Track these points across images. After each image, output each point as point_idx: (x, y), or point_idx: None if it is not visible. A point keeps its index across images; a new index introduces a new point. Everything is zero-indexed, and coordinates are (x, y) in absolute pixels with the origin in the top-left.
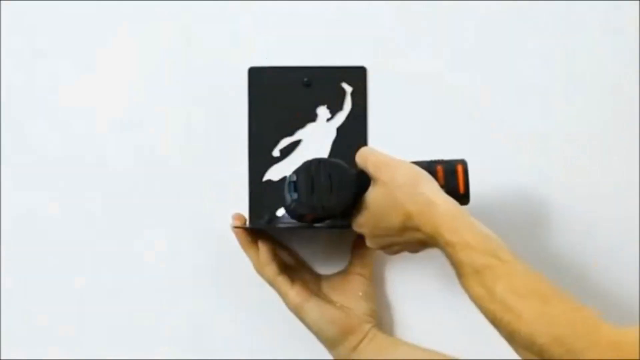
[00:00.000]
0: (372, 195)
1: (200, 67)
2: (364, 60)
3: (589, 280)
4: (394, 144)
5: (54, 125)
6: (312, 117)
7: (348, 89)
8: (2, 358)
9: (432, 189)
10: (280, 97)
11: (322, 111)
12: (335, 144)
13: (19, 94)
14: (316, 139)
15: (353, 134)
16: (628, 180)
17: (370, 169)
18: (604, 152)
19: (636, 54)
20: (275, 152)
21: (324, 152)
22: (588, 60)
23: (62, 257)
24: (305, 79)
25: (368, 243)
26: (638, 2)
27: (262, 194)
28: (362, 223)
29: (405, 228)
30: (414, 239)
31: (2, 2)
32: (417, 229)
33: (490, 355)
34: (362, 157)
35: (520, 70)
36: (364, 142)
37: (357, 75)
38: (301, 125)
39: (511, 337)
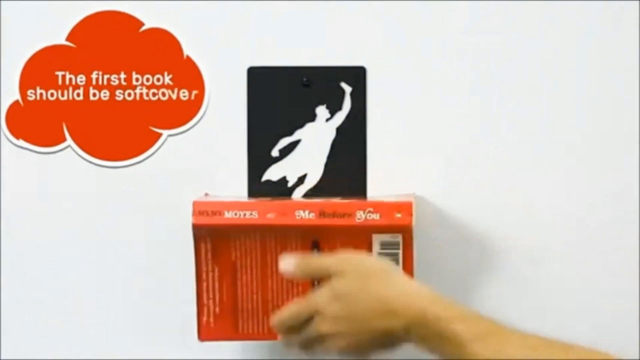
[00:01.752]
0: (339, 285)
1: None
2: (363, 60)
3: (589, 282)
4: (393, 144)
5: None
6: (312, 117)
7: (347, 89)
8: (2, 358)
9: (404, 277)
10: (279, 97)
11: (322, 111)
12: (335, 144)
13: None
14: (315, 139)
15: (352, 134)
16: (628, 181)
17: (332, 263)
18: (603, 152)
19: (636, 54)
20: (275, 152)
21: (323, 152)
22: (588, 60)
23: (62, 256)
24: (305, 79)
25: (334, 345)
26: (638, 2)
27: (261, 193)
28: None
29: (380, 314)
30: (385, 328)
31: (1, 2)
32: (392, 314)
33: None
34: (309, 263)
35: (521, 71)
36: (363, 142)
37: (357, 75)
38: (300, 125)
39: None
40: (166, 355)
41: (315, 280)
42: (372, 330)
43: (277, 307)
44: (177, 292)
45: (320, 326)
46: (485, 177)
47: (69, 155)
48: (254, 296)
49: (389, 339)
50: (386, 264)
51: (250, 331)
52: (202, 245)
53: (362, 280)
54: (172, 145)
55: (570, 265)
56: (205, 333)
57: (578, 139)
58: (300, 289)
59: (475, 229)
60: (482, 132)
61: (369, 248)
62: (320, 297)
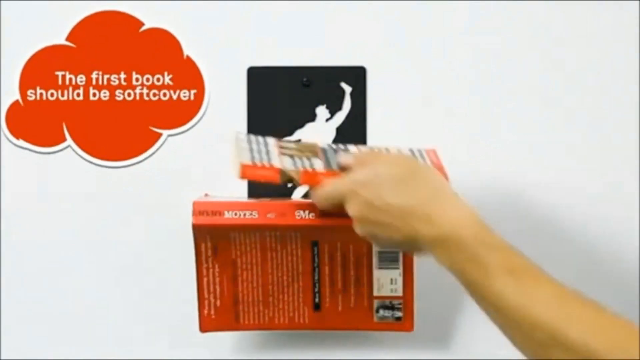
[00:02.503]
0: (381, 166)
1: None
2: (363, 60)
3: (589, 281)
4: (393, 144)
5: None
6: (311, 117)
7: (347, 89)
8: (2, 358)
9: (448, 186)
10: (279, 97)
11: (322, 111)
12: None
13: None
14: (315, 139)
15: (352, 134)
16: (628, 181)
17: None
18: (603, 152)
19: (636, 54)
20: None
21: None
22: (588, 60)
23: (62, 256)
24: (305, 79)
25: (357, 225)
26: (638, 2)
27: (261, 193)
28: (358, 194)
29: (410, 212)
30: (413, 232)
31: (1, 2)
32: (426, 220)
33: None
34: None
35: (521, 71)
36: (363, 142)
37: (357, 75)
38: (300, 125)
39: (550, 339)
40: (166, 355)
41: (316, 267)
42: (399, 229)
43: (278, 299)
44: (177, 292)
45: (350, 206)
46: (485, 176)
47: (69, 155)
48: (255, 290)
49: (411, 243)
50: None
51: (251, 322)
52: (202, 245)
53: (406, 172)
54: (172, 145)
55: (570, 265)
56: (206, 325)
57: (578, 139)
58: (300, 283)
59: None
60: (482, 132)
61: (369, 247)
62: (358, 177)
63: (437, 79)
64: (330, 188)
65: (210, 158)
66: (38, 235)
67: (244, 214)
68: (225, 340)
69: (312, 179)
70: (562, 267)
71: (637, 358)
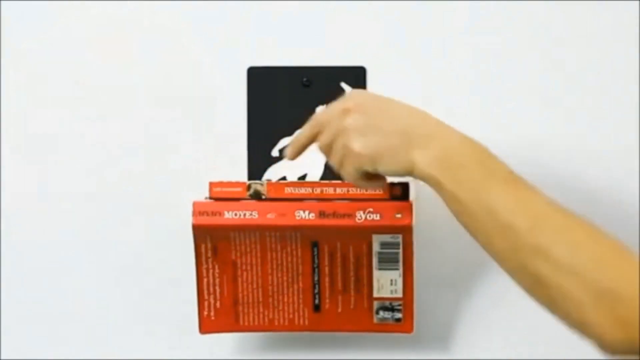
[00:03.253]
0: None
1: (200, 67)
2: (363, 60)
3: None
4: None
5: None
6: None
7: (347, 89)
8: (2, 358)
9: None
10: (279, 97)
11: None
12: None
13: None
14: None
15: None
16: (628, 181)
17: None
18: (603, 152)
19: (636, 54)
20: (274, 152)
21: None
22: (588, 60)
23: (62, 256)
24: (305, 79)
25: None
26: (638, 2)
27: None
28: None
29: (403, 131)
30: (408, 159)
31: (2, 2)
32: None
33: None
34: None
35: (520, 71)
36: None
37: (357, 75)
38: (300, 125)
39: (534, 250)
40: (166, 355)
41: (316, 268)
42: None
43: (278, 300)
44: (177, 292)
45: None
46: None
47: (69, 155)
48: (255, 291)
49: (407, 168)
50: None
51: (251, 323)
52: (202, 245)
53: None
54: (172, 145)
55: None
56: (206, 326)
57: (578, 139)
58: (300, 285)
59: None
60: (482, 132)
61: (369, 248)
62: (332, 113)
63: (437, 79)
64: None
65: (209, 157)
66: (38, 235)
67: (244, 214)
68: (226, 340)
69: (278, 190)
70: None
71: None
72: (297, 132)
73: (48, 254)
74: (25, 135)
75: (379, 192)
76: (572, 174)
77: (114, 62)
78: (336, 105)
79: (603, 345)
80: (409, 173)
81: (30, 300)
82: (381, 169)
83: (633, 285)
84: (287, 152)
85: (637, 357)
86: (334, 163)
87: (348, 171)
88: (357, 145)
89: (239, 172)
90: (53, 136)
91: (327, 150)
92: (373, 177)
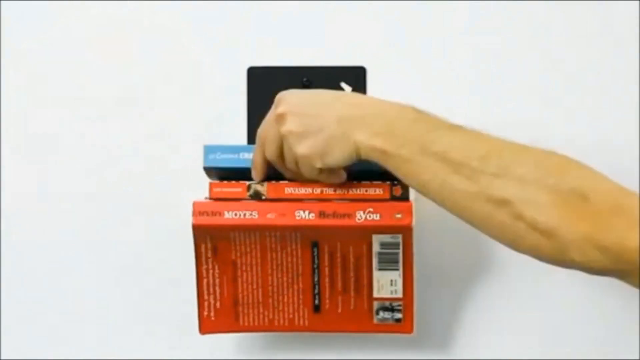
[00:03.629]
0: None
1: (200, 67)
2: (363, 60)
3: (589, 280)
4: None
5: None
6: None
7: (347, 88)
8: (2, 358)
9: None
10: None
11: None
12: None
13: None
14: None
15: None
16: (628, 181)
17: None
18: (603, 152)
19: (636, 54)
20: None
21: None
22: (588, 60)
23: (62, 256)
24: (305, 79)
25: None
26: (638, 2)
27: None
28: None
29: (338, 120)
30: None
31: (1, 1)
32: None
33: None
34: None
35: (520, 71)
36: None
37: (357, 75)
38: None
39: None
40: (166, 355)
41: (316, 268)
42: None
43: (278, 300)
44: (177, 292)
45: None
46: None
47: (69, 155)
48: (255, 291)
49: (353, 152)
50: None
51: (251, 324)
52: (202, 245)
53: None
54: (172, 145)
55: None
56: (206, 327)
57: (578, 139)
58: (300, 285)
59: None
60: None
61: (369, 248)
62: (268, 124)
63: (437, 79)
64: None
65: None
66: (38, 235)
67: (244, 214)
68: (226, 340)
69: (278, 190)
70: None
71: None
72: (252, 155)
73: (48, 254)
74: (25, 135)
75: (379, 192)
76: None
77: (114, 62)
78: (270, 115)
79: (568, 246)
80: (357, 156)
81: (30, 300)
82: (330, 162)
83: (595, 182)
84: (253, 175)
85: (602, 261)
86: (289, 170)
87: (305, 173)
88: (301, 148)
89: None
90: (53, 136)
91: (278, 161)
92: (331, 170)
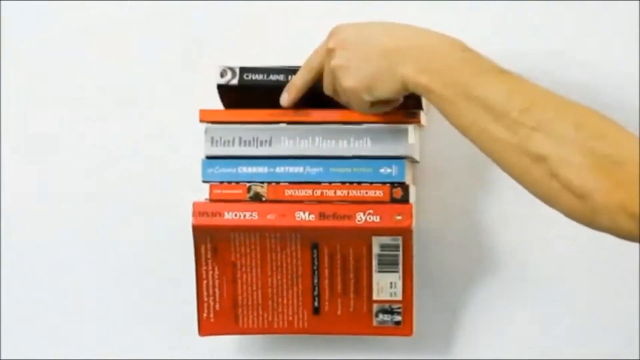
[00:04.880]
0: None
1: (200, 67)
2: None
3: (589, 280)
4: None
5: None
6: None
7: None
8: (2, 358)
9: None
10: None
11: None
12: None
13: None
14: None
15: None
16: None
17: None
18: None
19: (636, 54)
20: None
21: None
22: (588, 60)
23: (62, 256)
24: None
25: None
26: (638, 2)
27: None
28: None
29: (385, 53)
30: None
31: (2, 2)
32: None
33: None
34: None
35: (520, 71)
36: None
37: None
38: None
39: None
40: (166, 355)
41: (315, 270)
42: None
43: (277, 302)
44: (177, 292)
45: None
46: (485, 175)
47: (69, 155)
48: (254, 293)
49: (400, 86)
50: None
51: (250, 326)
52: (202, 246)
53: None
54: (172, 145)
55: (571, 264)
56: (205, 328)
57: None
58: (300, 287)
59: (475, 230)
60: None
61: (369, 250)
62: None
63: None
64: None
65: None
66: (38, 235)
67: (244, 215)
68: (226, 341)
69: (278, 192)
70: (562, 270)
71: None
72: (292, 79)
73: (48, 254)
74: (25, 135)
75: (379, 194)
76: None
77: (114, 62)
78: (321, 47)
79: (599, 211)
80: (404, 89)
81: (30, 300)
82: (378, 94)
83: (632, 149)
84: (283, 99)
85: (631, 228)
86: (344, 103)
87: (356, 106)
88: (348, 82)
89: None
90: (53, 136)
91: (333, 93)
92: (382, 102)
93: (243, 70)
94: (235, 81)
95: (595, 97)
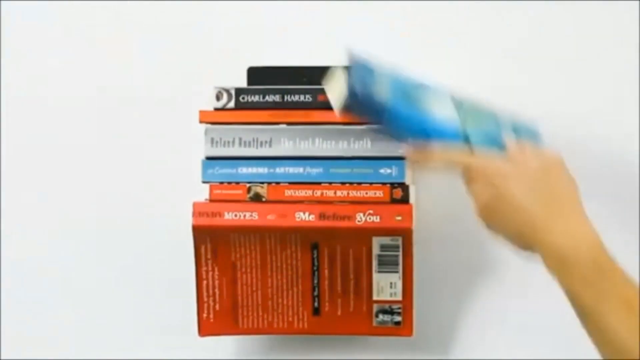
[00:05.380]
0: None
1: (200, 67)
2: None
3: None
4: None
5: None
6: None
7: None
8: (2, 358)
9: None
10: None
11: None
12: None
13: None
14: None
15: None
16: (628, 181)
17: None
18: (603, 152)
19: (636, 54)
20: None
21: None
22: (588, 60)
23: (62, 256)
24: (305, 79)
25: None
26: (638, 2)
27: None
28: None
29: (534, 217)
30: (530, 234)
31: (1, 2)
32: (548, 230)
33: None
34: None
35: (520, 71)
36: None
37: None
38: None
39: None
40: (166, 355)
41: (315, 270)
42: (517, 227)
43: (277, 303)
44: (177, 292)
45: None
46: None
47: (69, 156)
48: (254, 294)
49: (526, 244)
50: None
51: (250, 326)
52: (202, 247)
53: (540, 169)
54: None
55: None
56: (205, 329)
57: (578, 139)
58: (300, 287)
59: (475, 231)
60: None
61: (369, 250)
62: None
63: (436, 79)
64: (460, 157)
65: None
66: (38, 235)
67: (244, 215)
68: (226, 341)
69: (278, 192)
70: None
71: None
72: (450, 149)
73: (48, 253)
74: (25, 135)
75: (379, 195)
76: (573, 173)
77: (114, 62)
78: (477, 163)
79: None
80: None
81: (30, 300)
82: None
83: None
84: (416, 155)
85: None
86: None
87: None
88: (480, 213)
89: None
90: (53, 136)
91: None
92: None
93: (239, 92)
94: (231, 104)
95: (596, 97)
